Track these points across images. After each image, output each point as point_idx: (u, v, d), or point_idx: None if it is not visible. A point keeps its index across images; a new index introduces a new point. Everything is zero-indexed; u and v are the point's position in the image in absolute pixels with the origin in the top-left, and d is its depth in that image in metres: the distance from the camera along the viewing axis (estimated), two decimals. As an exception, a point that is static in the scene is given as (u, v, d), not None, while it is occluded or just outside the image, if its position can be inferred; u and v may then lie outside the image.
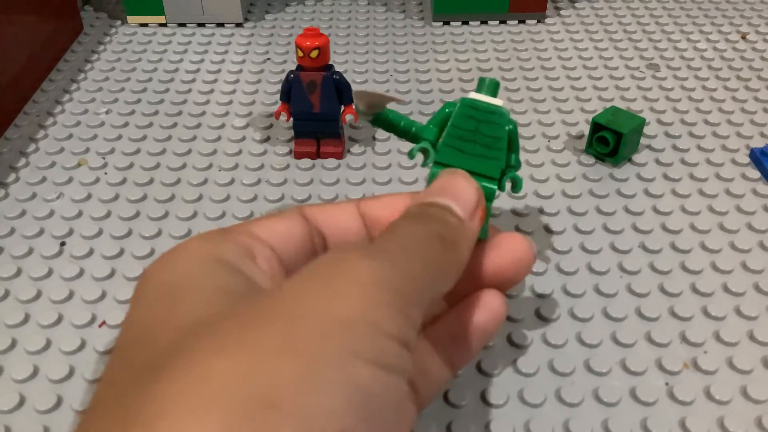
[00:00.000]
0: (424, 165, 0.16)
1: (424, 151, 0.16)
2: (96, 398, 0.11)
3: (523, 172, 0.28)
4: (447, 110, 0.16)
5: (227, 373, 0.09)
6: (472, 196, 0.15)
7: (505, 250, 0.15)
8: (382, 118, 0.17)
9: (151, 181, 0.28)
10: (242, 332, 0.10)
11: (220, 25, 0.40)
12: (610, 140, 0.28)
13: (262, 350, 0.10)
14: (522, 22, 0.40)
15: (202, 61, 0.36)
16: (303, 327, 0.10)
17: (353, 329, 0.10)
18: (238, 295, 0.12)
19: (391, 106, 0.17)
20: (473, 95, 0.16)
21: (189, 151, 0.30)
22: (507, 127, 0.16)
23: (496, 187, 0.16)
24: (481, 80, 0.17)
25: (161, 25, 0.40)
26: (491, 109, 0.16)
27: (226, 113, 0.32)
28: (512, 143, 0.16)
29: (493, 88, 0.16)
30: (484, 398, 0.19)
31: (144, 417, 0.09)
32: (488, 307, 0.15)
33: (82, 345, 0.21)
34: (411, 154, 0.16)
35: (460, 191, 0.15)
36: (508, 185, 0.16)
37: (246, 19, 0.40)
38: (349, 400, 0.10)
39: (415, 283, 0.12)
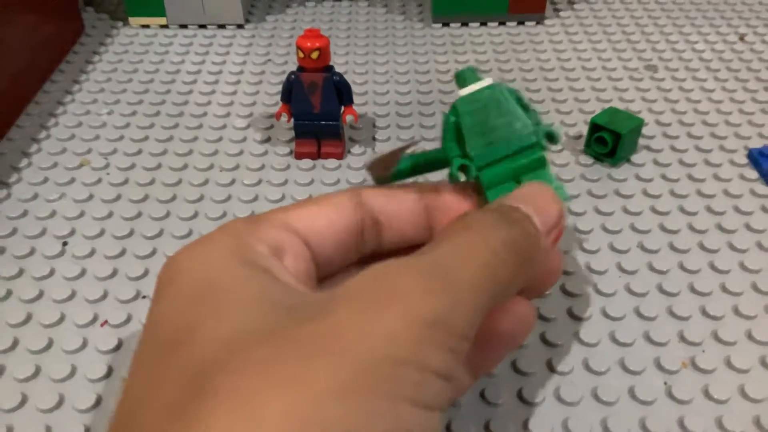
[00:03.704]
0: (470, 179, 0.16)
1: (464, 168, 0.15)
2: (133, 406, 0.11)
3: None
4: (452, 120, 0.16)
5: (278, 414, 0.09)
6: (555, 212, 0.14)
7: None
8: (403, 170, 0.16)
9: (153, 181, 0.28)
10: (294, 366, 0.10)
11: (222, 26, 0.40)
12: (609, 141, 0.28)
13: (314, 392, 0.10)
14: (521, 23, 0.40)
15: (203, 62, 0.37)
16: (357, 369, 0.10)
17: (404, 374, 0.10)
18: (279, 304, 0.11)
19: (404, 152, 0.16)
20: (462, 92, 0.16)
21: (190, 152, 0.30)
22: (510, 95, 0.16)
23: (541, 151, 0.16)
24: (458, 75, 0.16)
25: (162, 26, 0.40)
26: (489, 92, 0.16)
27: (227, 114, 0.32)
28: (521, 104, 0.16)
29: (472, 75, 0.16)
30: (483, 397, 0.19)
31: None
32: (516, 314, 0.15)
33: (84, 344, 0.21)
34: (453, 178, 0.16)
35: (544, 204, 0.14)
36: (546, 143, 0.16)
37: (247, 21, 0.41)
38: None
39: (474, 308, 0.12)
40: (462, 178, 0.16)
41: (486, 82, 0.16)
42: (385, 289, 0.11)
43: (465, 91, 0.16)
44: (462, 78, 0.16)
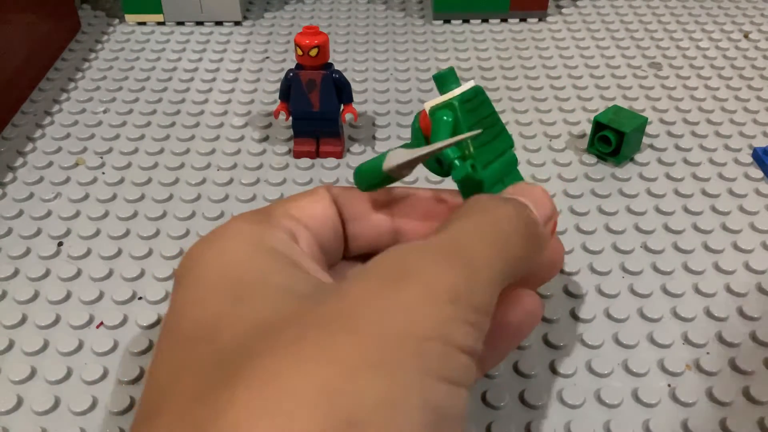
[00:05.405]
0: (477, 178, 0.16)
1: (473, 167, 0.15)
2: (159, 393, 0.11)
3: (524, 172, 0.28)
4: (449, 119, 0.16)
5: (309, 388, 0.09)
6: (549, 206, 0.14)
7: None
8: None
9: (150, 180, 0.28)
10: (320, 343, 0.10)
11: (219, 23, 0.40)
12: (612, 140, 0.28)
13: (343, 366, 0.10)
14: (523, 20, 0.40)
15: (200, 59, 0.36)
16: (382, 344, 0.10)
17: (429, 349, 0.10)
18: (300, 294, 0.12)
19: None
20: (452, 93, 0.16)
21: (187, 151, 0.29)
22: (487, 98, 0.17)
23: (513, 151, 0.17)
24: (442, 76, 0.16)
25: (159, 23, 0.39)
26: (474, 93, 0.16)
27: (225, 112, 0.32)
28: None
29: (455, 76, 0.16)
30: (484, 400, 0.19)
31: (222, 426, 0.09)
32: (523, 306, 0.15)
33: (80, 346, 0.21)
34: (462, 177, 0.15)
35: (538, 198, 0.14)
36: None
37: (245, 18, 0.40)
38: (426, 422, 0.10)
39: (490, 282, 0.12)
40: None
41: (470, 84, 0.16)
42: (400, 267, 0.11)
43: (458, 91, 0.16)
44: (446, 79, 0.16)
